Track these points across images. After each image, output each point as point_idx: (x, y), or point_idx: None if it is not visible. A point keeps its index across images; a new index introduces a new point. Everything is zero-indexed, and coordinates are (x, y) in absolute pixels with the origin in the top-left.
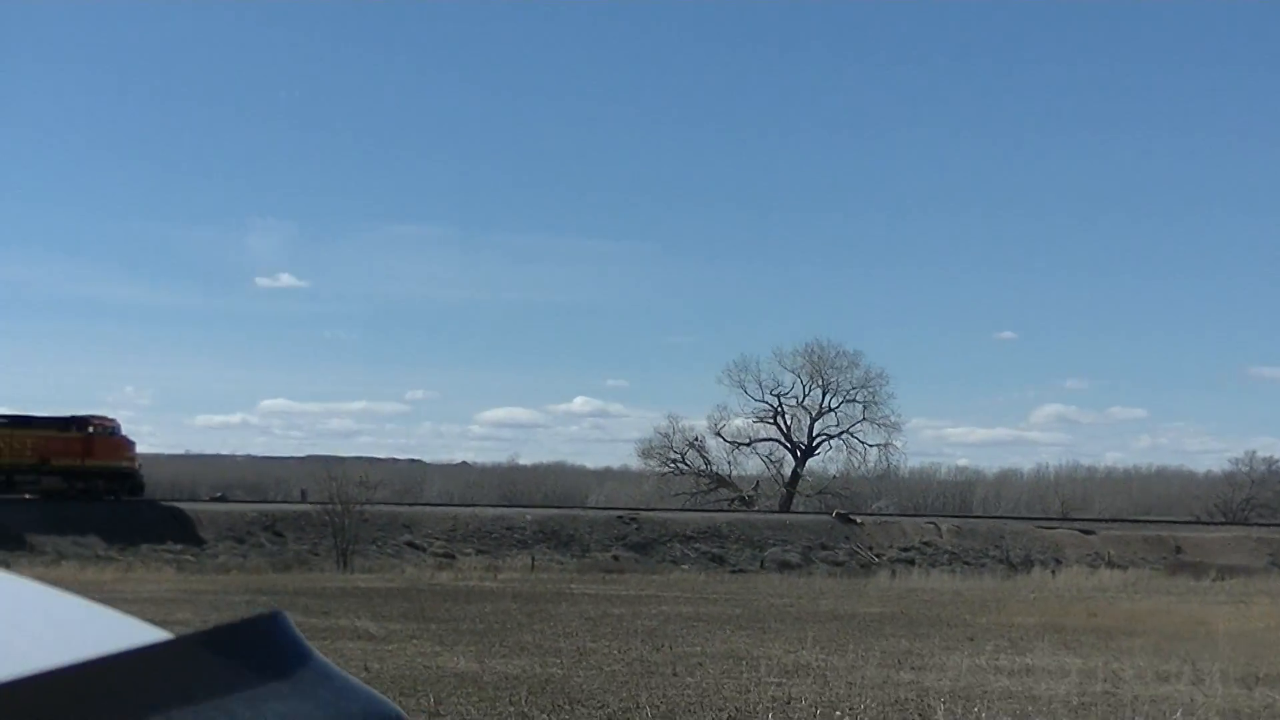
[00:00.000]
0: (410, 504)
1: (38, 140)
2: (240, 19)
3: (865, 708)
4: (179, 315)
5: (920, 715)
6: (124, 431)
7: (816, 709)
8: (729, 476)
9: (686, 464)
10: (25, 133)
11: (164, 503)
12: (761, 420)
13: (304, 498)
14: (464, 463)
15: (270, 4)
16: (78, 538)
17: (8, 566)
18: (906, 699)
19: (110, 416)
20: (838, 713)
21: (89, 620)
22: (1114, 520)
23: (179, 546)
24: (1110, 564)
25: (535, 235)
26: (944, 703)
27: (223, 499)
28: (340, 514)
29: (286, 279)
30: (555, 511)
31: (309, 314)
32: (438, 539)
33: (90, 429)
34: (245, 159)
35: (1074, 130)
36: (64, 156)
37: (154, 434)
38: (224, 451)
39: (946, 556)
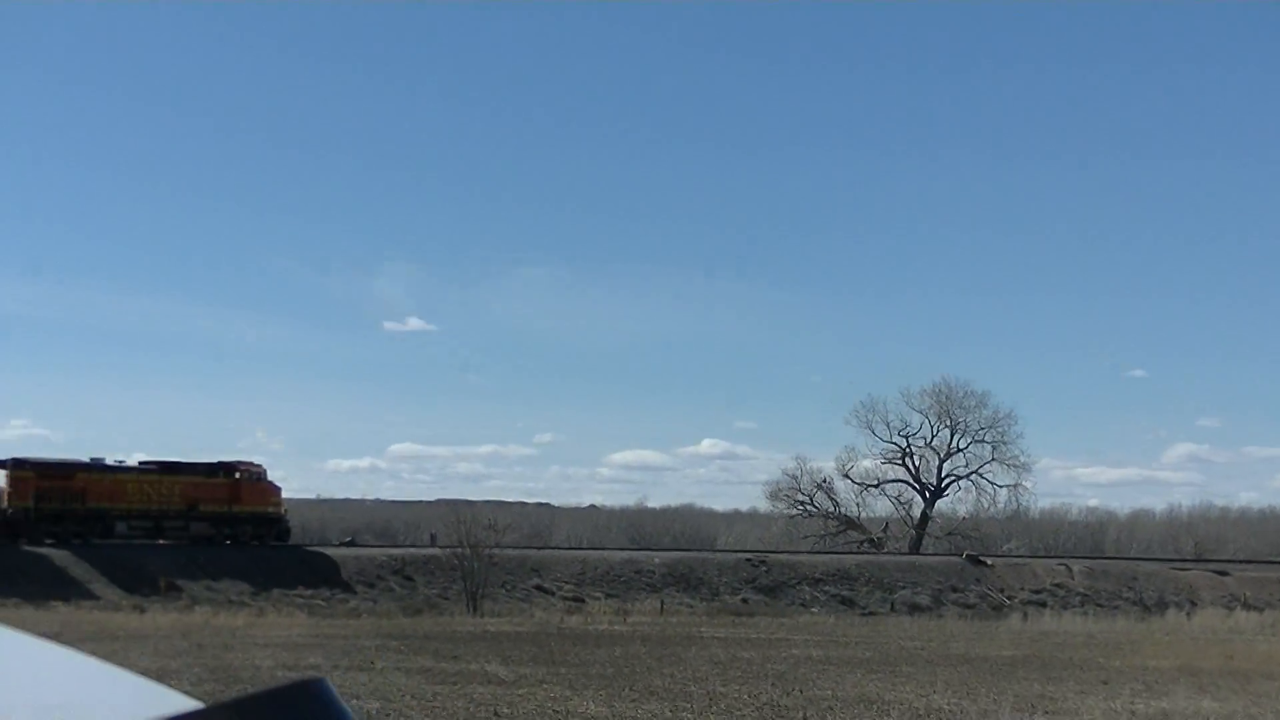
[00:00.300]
0: (539, 547)
1: (171, 190)
2: (371, 74)
3: None
4: (309, 359)
5: None
6: (270, 477)
7: None
8: (858, 518)
9: (815, 506)
10: (161, 183)
11: (307, 547)
12: (890, 461)
13: (433, 541)
14: (592, 506)
15: (396, 60)
16: (211, 582)
17: (141, 611)
18: None
19: (257, 463)
20: None
21: (117, 688)
22: (1249, 561)
23: (309, 592)
24: (1246, 605)
25: (663, 277)
26: None
27: (352, 543)
28: (469, 558)
29: (415, 322)
30: (684, 554)
31: (437, 357)
32: (567, 582)
33: (237, 475)
34: (374, 204)
35: (1204, 160)
36: (196, 204)
37: (285, 478)
38: (354, 496)
39: (1079, 598)
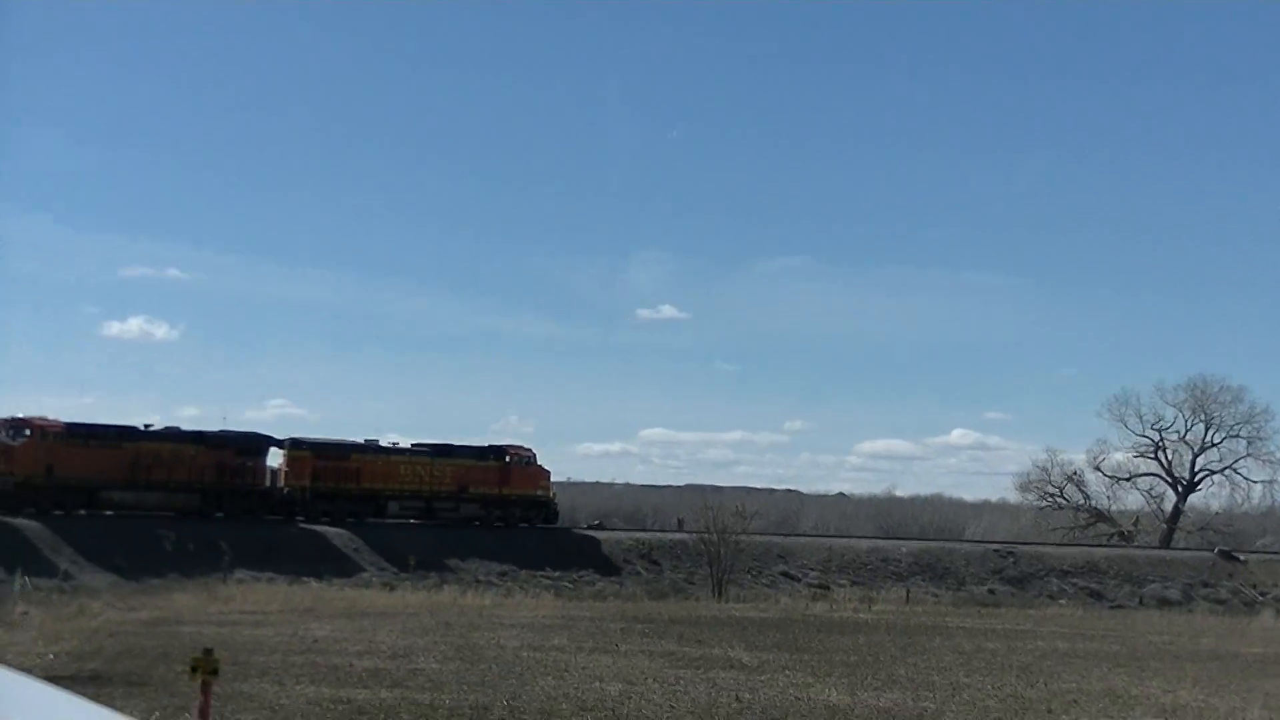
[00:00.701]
0: (786, 534)
1: (429, 182)
2: (630, 66)
3: None
4: (563, 346)
5: None
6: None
7: None
8: (1108, 511)
9: (1065, 498)
10: (415, 174)
11: (577, 530)
12: (1142, 455)
13: (681, 526)
14: (841, 494)
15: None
16: (459, 562)
17: (391, 589)
18: None
19: (527, 447)
20: None
21: None
22: None
23: (557, 573)
24: None
25: (914, 268)
26: None
27: (600, 526)
28: (716, 543)
29: (668, 310)
30: (931, 544)
31: (689, 345)
32: (813, 569)
33: (507, 459)
34: (630, 195)
35: None
36: (456, 196)
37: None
38: (604, 480)
39: None
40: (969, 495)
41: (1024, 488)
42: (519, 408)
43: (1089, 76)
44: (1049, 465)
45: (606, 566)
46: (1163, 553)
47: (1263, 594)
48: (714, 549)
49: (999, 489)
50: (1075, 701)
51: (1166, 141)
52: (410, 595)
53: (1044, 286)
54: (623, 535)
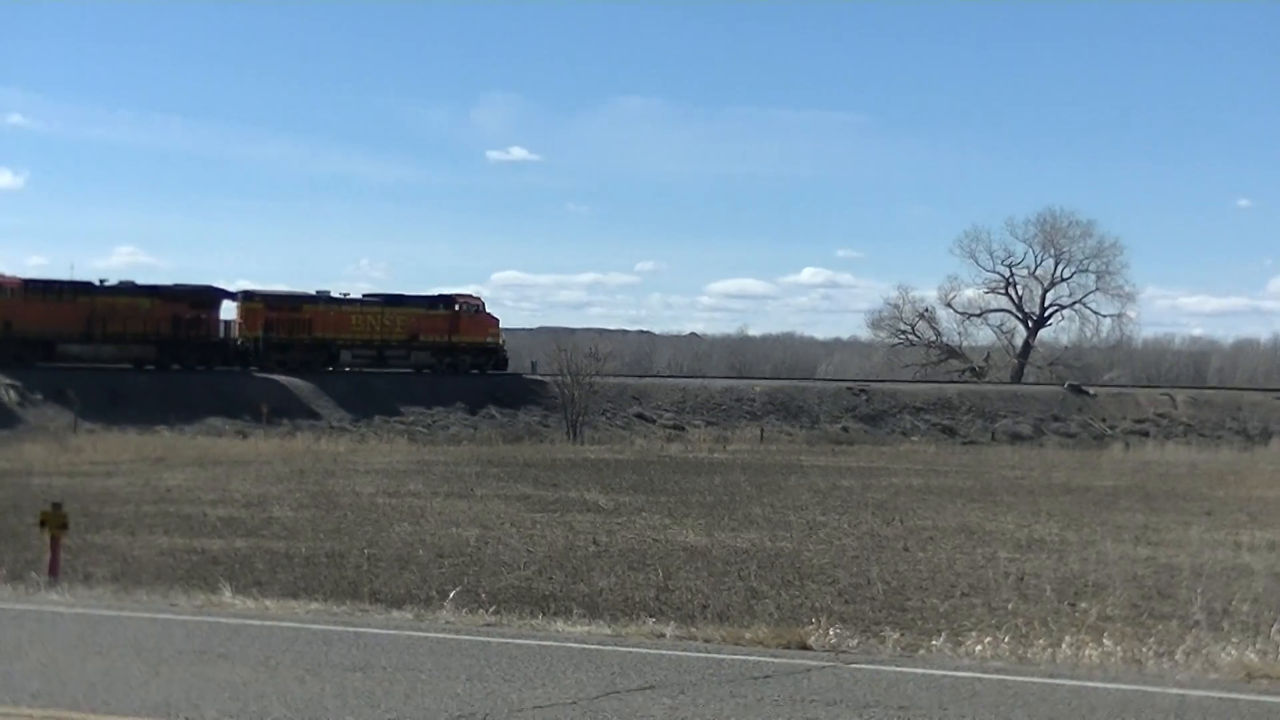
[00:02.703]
0: (640, 376)
1: (272, 21)
2: None
3: (1104, 584)
4: (412, 190)
5: (1160, 592)
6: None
7: (1054, 586)
8: (959, 348)
9: (917, 335)
10: (261, 14)
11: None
12: (993, 291)
13: (534, 369)
14: (693, 334)
15: None
16: (319, 406)
17: (244, 437)
18: (1145, 574)
19: (475, 295)
20: (1075, 590)
21: None
22: None
23: (410, 417)
24: None
25: (768, 108)
26: (1185, 580)
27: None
28: (570, 386)
29: (518, 152)
30: (784, 383)
31: (540, 187)
32: (667, 411)
33: (457, 307)
34: (474, 34)
35: None
36: (300, 37)
37: None
38: None
39: (1181, 428)
40: (821, 334)
41: (876, 325)
42: (370, 251)
43: None
44: (900, 302)
45: (461, 409)
46: (1014, 388)
47: (1111, 427)
48: (568, 391)
49: (851, 327)
50: (932, 538)
51: None
52: (263, 443)
53: (894, 125)
54: (477, 378)
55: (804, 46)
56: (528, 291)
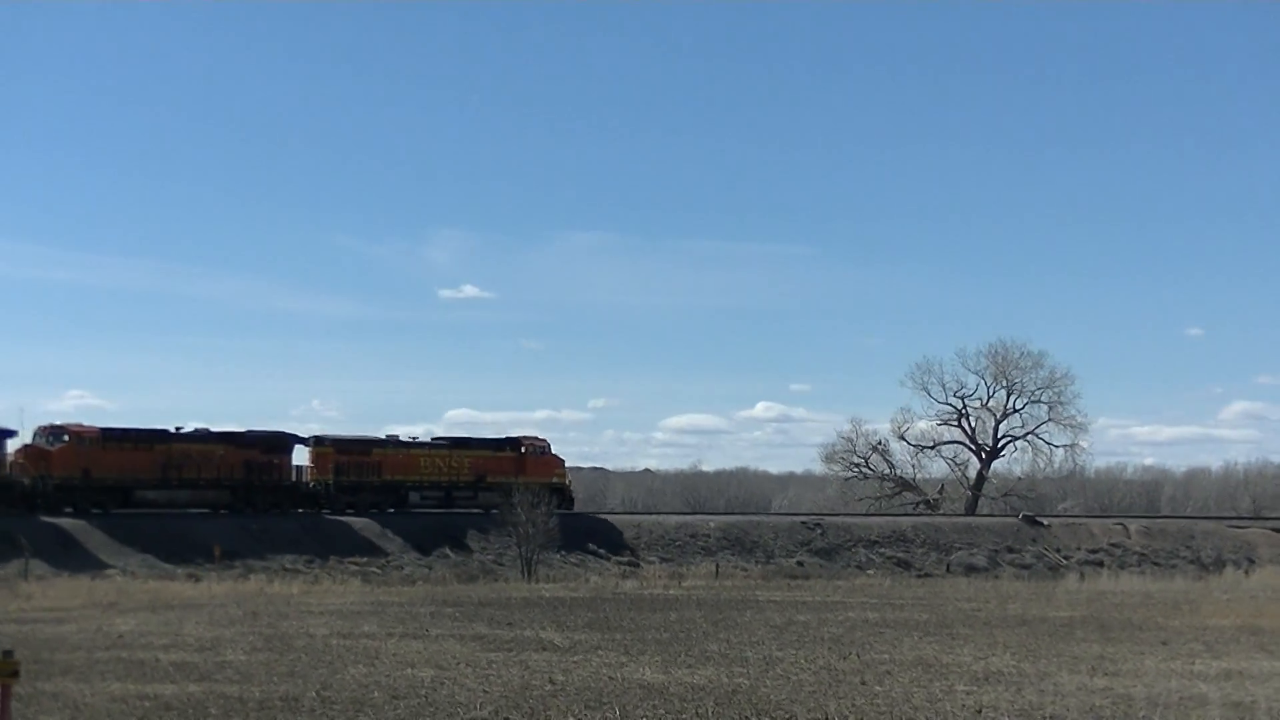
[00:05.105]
0: (594, 513)
1: (219, 157)
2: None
3: (1061, 716)
4: (363, 328)
5: None
6: (553, 450)
7: (1011, 718)
8: (913, 480)
9: (870, 468)
10: (207, 151)
11: (352, 517)
12: (945, 423)
13: (488, 509)
14: (647, 470)
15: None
16: (270, 553)
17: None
18: (1102, 705)
19: (541, 437)
20: None
21: None
22: None
23: (364, 559)
24: None
25: (715, 241)
26: (1142, 711)
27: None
28: (524, 523)
29: (470, 290)
30: (739, 518)
31: (492, 324)
32: (622, 547)
33: (523, 449)
34: (424, 172)
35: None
36: (249, 174)
37: None
38: None
39: (1135, 558)
40: (774, 468)
41: (829, 458)
42: (321, 391)
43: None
44: (854, 435)
45: (413, 549)
46: (968, 519)
47: (1066, 558)
48: (522, 529)
49: (804, 461)
50: (889, 672)
51: (953, 117)
52: (216, 586)
53: (843, 257)
54: (429, 518)
55: (752, 178)
56: (480, 430)
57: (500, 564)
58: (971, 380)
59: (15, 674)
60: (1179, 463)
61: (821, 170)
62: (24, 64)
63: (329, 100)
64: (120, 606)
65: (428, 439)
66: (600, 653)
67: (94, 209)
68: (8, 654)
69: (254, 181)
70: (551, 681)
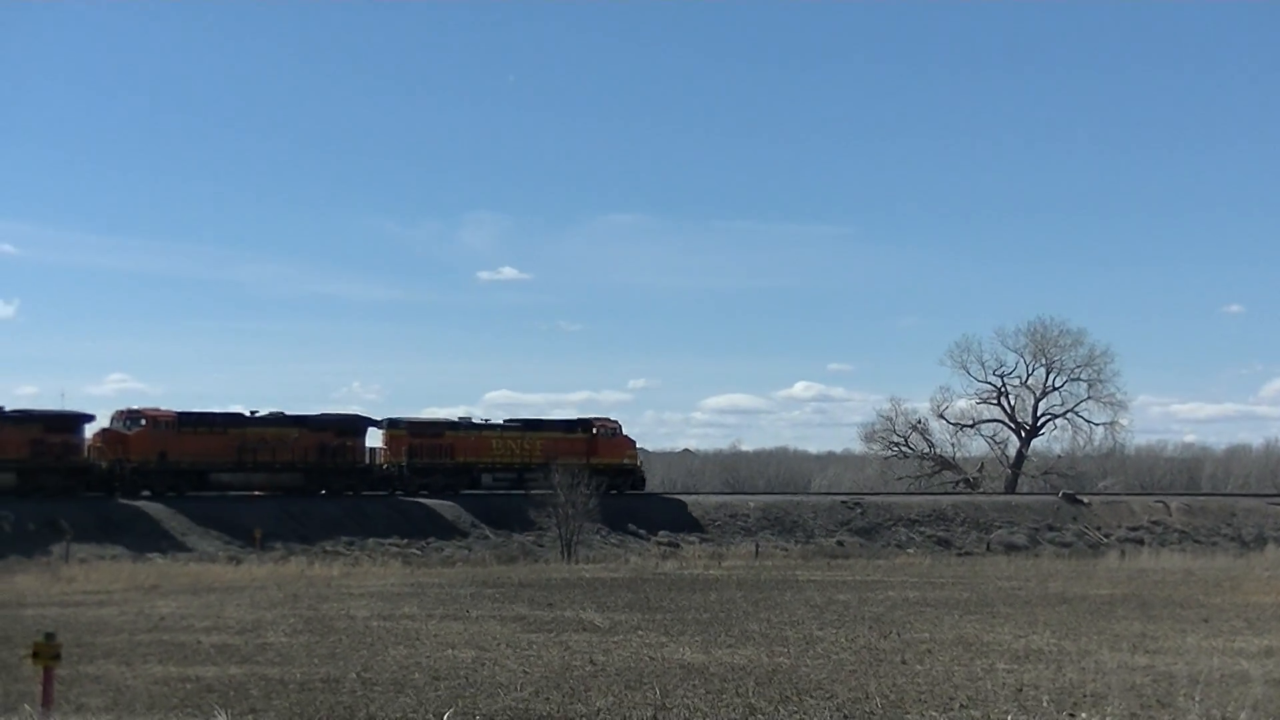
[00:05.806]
0: (634, 493)
1: (259, 142)
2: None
3: (1102, 694)
4: (402, 311)
5: (1159, 701)
6: (624, 432)
7: (1052, 697)
8: (953, 459)
9: (910, 447)
10: (247, 135)
11: (400, 497)
12: (985, 401)
13: (528, 489)
14: (687, 450)
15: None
16: (309, 534)
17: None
18: (1143, 683)
19: (613, 419)
20: (1074, 701)
21: None
22: None
23: (404, 540)
24: None
25: (751, 222)
26: (1183, 688)
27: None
28: (564, 504)
29: (508, 272)
30: (779, 498)
31: (531, 305)
32: (662, 528)
33: (594, 430)
34: (459, 155)
35: None
36: (287, 159)
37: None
38: None
39: (1176, 535)
40: (814, 447)
41: (869, 438)
42: (361, 373)
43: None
44: (893, 414)
45: (455, 532)
46: (1008, 498)
47: (1106, 535)
48: (561, 510)
49: (844, 440)
50: (929, 651)
51: (992, 100)
52: (257, 569)
53: (881, 237)
54: (469, 499)
55: (790, 158)
56: (519, 411)
57: (540, 545)
58: (1011, 359)
59: (57, 657)
60: (1220, 440)
61: (859, 151)
62: (41, 51)
63: (366, 87)
64: (162, 589)
65: (499, 421)
66: (641, 633)
67: (135, 196)
68: (50, 637)
69: (291, 166)
70: (592, 662)
